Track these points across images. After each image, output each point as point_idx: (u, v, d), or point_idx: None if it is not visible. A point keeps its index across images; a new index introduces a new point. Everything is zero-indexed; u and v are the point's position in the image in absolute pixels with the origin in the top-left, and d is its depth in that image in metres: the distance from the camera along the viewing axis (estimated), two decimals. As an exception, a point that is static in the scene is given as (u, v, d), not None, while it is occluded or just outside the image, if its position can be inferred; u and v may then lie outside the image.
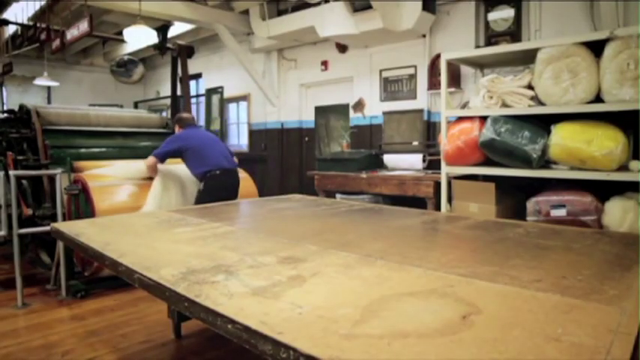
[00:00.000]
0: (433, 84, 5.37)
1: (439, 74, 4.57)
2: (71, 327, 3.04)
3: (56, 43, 6.20)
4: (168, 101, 7.44)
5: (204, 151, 3.97)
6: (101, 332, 2.94)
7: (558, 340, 0.85)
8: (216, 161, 3.96)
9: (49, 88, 10.06)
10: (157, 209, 3.56)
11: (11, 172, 3.47)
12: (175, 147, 3.94)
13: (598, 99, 2.63)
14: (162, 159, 3.95)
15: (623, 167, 2.59)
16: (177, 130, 4.24)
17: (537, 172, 2.84)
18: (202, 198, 3.71)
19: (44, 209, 3.95)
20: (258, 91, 7.59)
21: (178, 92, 6.28)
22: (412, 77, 5.72)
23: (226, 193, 3.83)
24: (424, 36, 5.49)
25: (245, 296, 1.11)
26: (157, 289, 1.27)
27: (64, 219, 3.58)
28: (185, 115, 4.41)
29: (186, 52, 6.12)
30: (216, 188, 3.83)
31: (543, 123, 2.83)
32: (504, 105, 3.01)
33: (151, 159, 3.90)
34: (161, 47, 6.25)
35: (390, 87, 5.95)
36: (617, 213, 2.53)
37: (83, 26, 5.61)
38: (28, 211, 3.94)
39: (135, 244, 1.76)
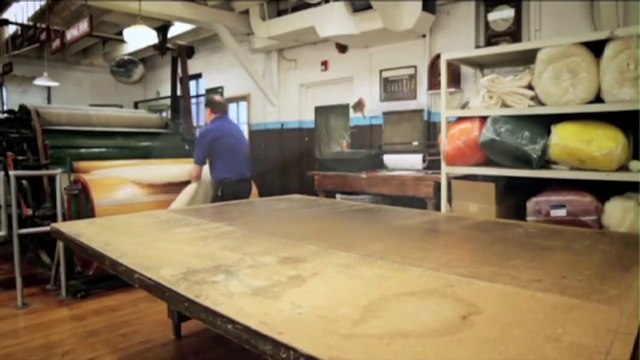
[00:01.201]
0: (433, 84, 5.37)
1: (439, 74, 4.57)
2: (71, 327, 3.04)
3: (56, 43, 6.20)
4: (168, 101, 7.45)
5: (231, 154, 3.98)
6: (101, 332, 2.94)
7: (558, 340, 0.85)
8: (239, 168, 4.01)
9: (49, 88, 10.06)
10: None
11: (11, 172, 3.47)
12: (206, 146, 3.94)
13: (598, 99, 2.62)
14: (203, 162, 3.99)
15: (623, 167, 2.59)
16: (208, 114, 4.14)
17: (537, 172, 2.84)
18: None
19: (44, 209, 3.95)
20: (258, 91, 7.59)
21: (178, 92, 6.28)
22: (412, 77, 5.72)
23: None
24: (424, 36, 5.49)
25: (245, 296, 1.11)
26: (157, 289, 1.27)
27: (64, 219, 3.58)
28: (218, 99, 4.34)
29: (186, 52, 6.12)
30: (232, 196, 3.84)
31: (543, 123, 2.83)
32: (504, 105, 3.01)
33: (197, 168, 3.97)
34: (161, 47, 6.25)
35: (390, 87, 5.95)
36: (617, 213, 2.53)
37: (83, 26, 5.61)
38: (28, 211, 3.94)
39: (135, 244, 1.76)
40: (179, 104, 6.32)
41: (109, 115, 5.00)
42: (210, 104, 4.17)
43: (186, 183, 4.00)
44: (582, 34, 3.58)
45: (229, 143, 3.99)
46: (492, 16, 4.80)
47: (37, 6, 6.88)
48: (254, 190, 4.32)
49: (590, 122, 2.62)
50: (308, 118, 7.30)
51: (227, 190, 3.89)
